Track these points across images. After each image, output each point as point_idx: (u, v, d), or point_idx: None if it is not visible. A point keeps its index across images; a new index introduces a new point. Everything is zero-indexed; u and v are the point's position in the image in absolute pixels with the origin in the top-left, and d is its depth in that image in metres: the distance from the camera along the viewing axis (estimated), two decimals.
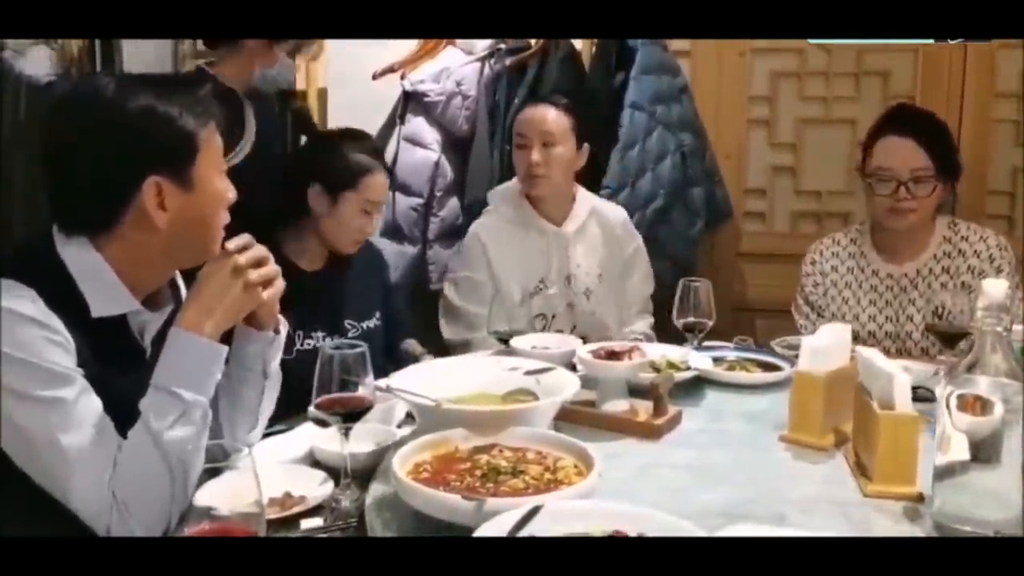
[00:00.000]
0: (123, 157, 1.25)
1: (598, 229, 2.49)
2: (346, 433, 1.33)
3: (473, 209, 2.93)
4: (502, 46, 3.01)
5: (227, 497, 1.02)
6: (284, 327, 1.48)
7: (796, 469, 1.47)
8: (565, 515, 1.10)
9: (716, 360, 1.93)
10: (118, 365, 1.28)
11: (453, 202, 3.02)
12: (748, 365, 1.94)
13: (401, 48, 3.06)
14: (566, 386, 1.53)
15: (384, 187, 2.12)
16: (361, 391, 1.33)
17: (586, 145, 2.44)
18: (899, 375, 1.35)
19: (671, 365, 1.83)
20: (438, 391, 1.49)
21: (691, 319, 1.94)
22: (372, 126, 3.13)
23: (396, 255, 3.02)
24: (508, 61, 2.98)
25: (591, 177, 2.81)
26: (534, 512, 1.10)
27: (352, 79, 3.09)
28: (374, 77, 3.01)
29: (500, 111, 2.97)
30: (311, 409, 1.33)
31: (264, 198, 2.48)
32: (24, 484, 1.19)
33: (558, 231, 2.43)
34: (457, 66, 2.95)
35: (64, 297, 1.24)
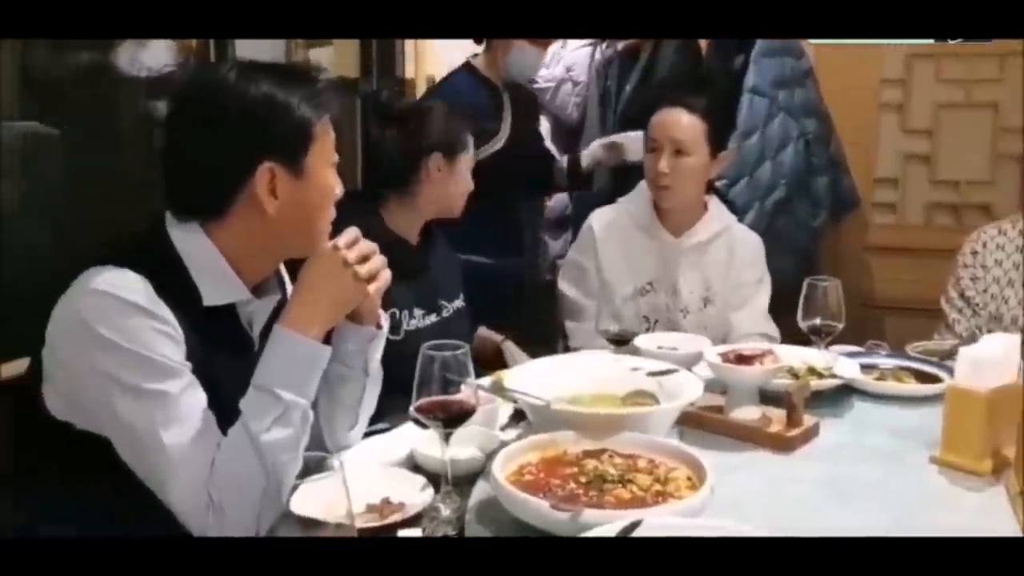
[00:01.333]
0: (240, 142, 1.23)
1: (723, 252, 2.23)
2: (446, 438, 1.27)
3: (582, 198, 2.86)
4: None
5: (321, 505, 0.99)
6: (386, 322, 1.43)
7: (945, 495, 1.32)
8: (665, 532, 1.02)
9: (865, 368, 1.77)
10: (227, 355, 1.25)
11: (562, 192, 2.93)
12: (901, 375, 1.77)
13: None
14: (687, 391, 1.46)
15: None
16: (463, 393, 1.26)
17: (723, 153, 2.24)
18: None
19: (812, 372, 1.69)
20: (554, 389, 1.45)
21: (818, 321, 1.79)
22: None
23: None
24: (620, 45, 2.86)
25: None
26: (632, 528, 1.03)
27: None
28: None
29: (611, 97, 2.86)
30: (411, 411, 1.27)
31: (522, 185, 2.58)
32: (117, 481, 1.18)
33: (672, 242, 2.23)
34: (567, 51, 2.86)
35: (176, 285, 1.22)
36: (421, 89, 3.14)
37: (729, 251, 2.25)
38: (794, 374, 1.69)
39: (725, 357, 1.62)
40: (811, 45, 2.94)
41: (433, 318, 2.00)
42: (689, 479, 1.22)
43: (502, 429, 1.55)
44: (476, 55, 2.55)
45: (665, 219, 2.25)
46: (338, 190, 1.33)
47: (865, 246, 3.09)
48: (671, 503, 1.14)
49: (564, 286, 2.29)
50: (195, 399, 1.18)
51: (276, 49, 3.23)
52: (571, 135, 2.90)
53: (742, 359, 1.61)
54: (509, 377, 1.51)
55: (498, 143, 2.46)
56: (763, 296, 2.28)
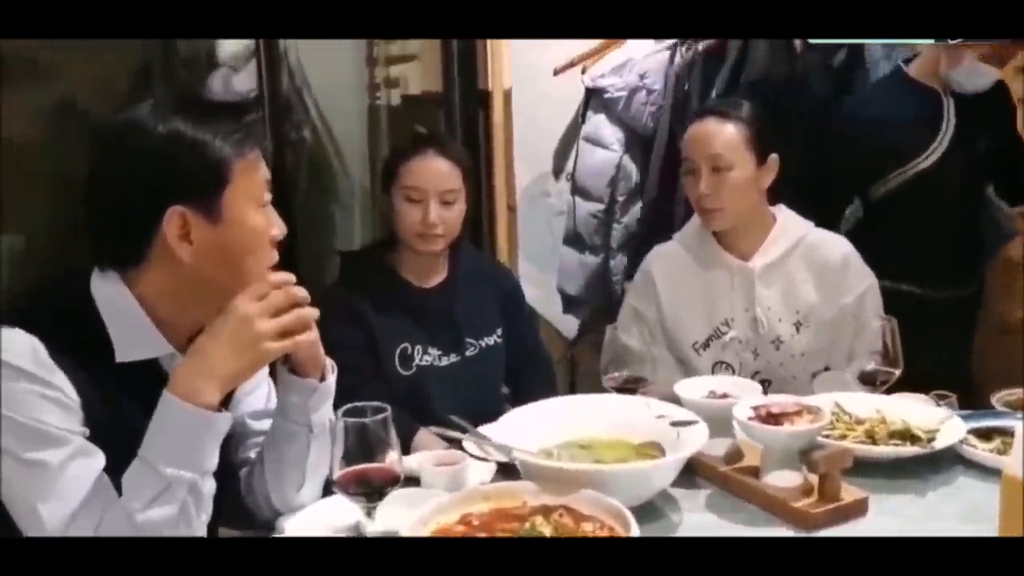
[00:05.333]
0: (147, 184, 1.16)
1: (804, 266, 1.97)
2: (370, 513, 1.14)
3: (657, 216, 2.64)
4: None
5: None
6: (332, 374, 1.31)
7: None
8: None
9: (981, 432, 1.49)
10: (144, 414, 1.17)
11: (638, 207, 2.72)
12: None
13: (589, 40, 2.82)
14: (688, 448, 1.37)
15: (419, 170, 1.86)
16: (387, 461, 1.13)
17: (773, 156, 1.96)
18: None
19: (905, 435, 1.46)
20: (571, 430, 1.46)
21: (871, 367, 1.53)
22: (557, 126, 2.95)
23: (577, 265, 2.81)
24: (702, 46, 2.62)
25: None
26: None
27: (537, 77, 2.89)
28: (555, 73, 2.79)
29: (693, 104, 2.62)
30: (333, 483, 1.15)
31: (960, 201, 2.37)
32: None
33: (743, 266, 1.97)
34: (641, 57, 2.65)
35: (88, 340, 1.16)
36: (499, 102, 3.03)
37: (812, 263, 1.98)
38: (870, 435, 1.46)
39: (757, 413, 1.41)
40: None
41: (453, 358, 1.93)
42: None
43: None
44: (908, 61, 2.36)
45: (728, 244, 2.00)
46: (274, 231, 1.23)
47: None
48: None
49: (624, 336, 2.05)
50: (83, 468, 1.11)
51: (356, 65, 3.24)
52: (646, 147, 2.69)
53: (772, 417, 1.40)
54: (531, 411, 1.50)
55: (931, 157, 2.29)
56: (874, 306, 1.97)
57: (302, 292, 1.22)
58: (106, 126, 1.24)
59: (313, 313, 1.23)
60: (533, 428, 1.45)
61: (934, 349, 2.00)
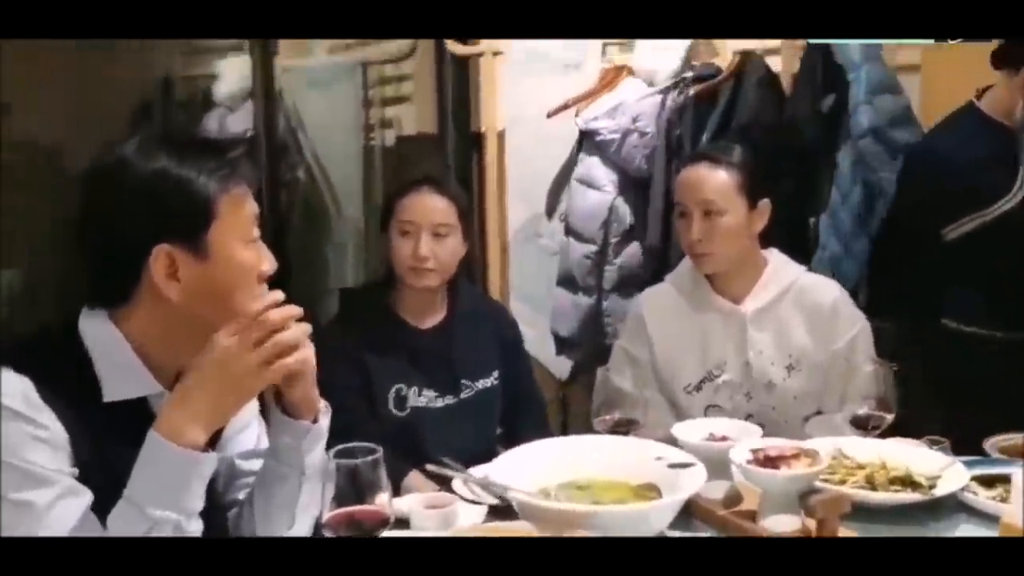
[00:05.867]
0: (133, 222, 1.16)
1: (795, 310, 1.97)
2: None
3: (652, 257, 2.66)
4: (687, 75, 2.70)
5: None
6: (326, 416, 1.30)
7: None
8: None
9: (983, 480, 1.47)
10: (134, 452, 1.15)
11: (632, 248, 2.74)
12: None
13: (582, 83, 2.86)
14: (686, 490, 1.37)
15: (414, 205, 1.89)
16: (377, 503, 1.12)
17: (764, 201, 1.97)
18: None
19: (907, 481, 1.45)
20: (569, 471, 1.45)
21: (863, 411, 1.53)
22: (550, 168, 2.97)
23: (570, 307, 2.81)
24: (693, 91, 2.65)
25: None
26: None
27: (530, 119, 2.93)
28: (548, 115, 2.82)
29: (686, 148, 2.65)
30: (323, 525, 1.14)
31: None
32: None
33: (735, 309, 1.97)
34: (634, 100, 2.68)
35: (77, 379, 1.15)
36: (492, 143, 3.05)
37: (803, 307, 1.98)
38: (871, 480, 1.45)
39: (755, 456, 1.41)
40: (912, 78, 2.63)
41: (449, 400, 1.92)
42: None
43: None
44: (981, 94, 2.21)
45: (720, 287, 2.00)
46: (264, 267, 1.22)
47: None
48: None
49: (617, 379, 2.06)
50: (70, 508, 1.10)
51: (351, 107, 3.27)
52: (639, 189, 2.71)
53: (769, 460, 1.39)
54: (528, 451, 1.49)
55: (1012, 200, 2.17)
56: (865, 351, 1.95)
57: (290, 311, 1.18)
58: (95, 164, 1.24)
59: (303, 329, 1.19)
60: (530, 468, 1.44)
61: (1011, 391, 1.94)
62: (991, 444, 1.55)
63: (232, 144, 1.22)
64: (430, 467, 1.57)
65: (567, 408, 3.02)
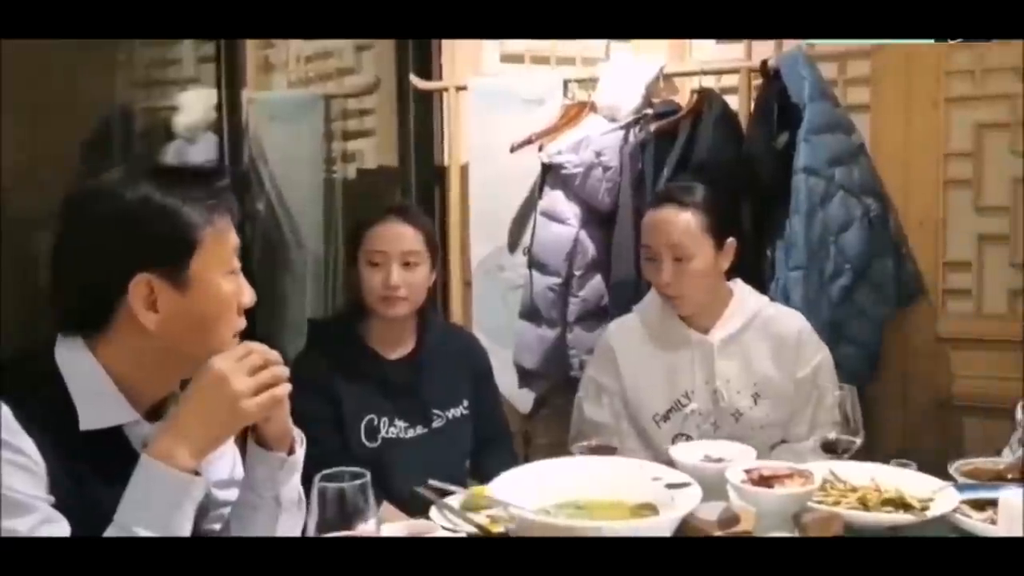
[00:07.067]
0: (112, 251, 1.15)
1: (760, 339, 2.03)
2: None
3: (617, 290, 2.69)
4: (648, 111, 2.76)
5: None
6: (301, 448, 1.29)
7: None
8: None
9: (975, 503, 1.49)
10: (109, 483, 1.14)
11: (595, 281, 2.76)
12: None
13: (544, 118, 2.90)
14: (682, 508, 1.37)
15: (382, 235, 1.90)
16: (366, 527, 1.11)
17: (730, 240, 2.03)
18: None
19: (899, 503, 1.47)
20: (568, 491, 1.46)
21: (833, 436, 1.56)
22: (512, 202, 3.00)
23: (534, 339, 2.82)
24: (654, 127, 2.71)
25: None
26: None
27: (494, 153, 2.95)
28: (511, 150, 2.84)
29: (648, 182, 2.70)
30: None
31: None
32: None
33: (702, 339, 2.02)
34: (597, 135, 2.73)
35: (53, 407, 1.13)
36: (455, 177, 3.08)
37: (767, 336, 2.03)
38: (864, 502, 1.48)
39: (749, 476, 1.44)
40: (862, 117, 2.73)
41: (419, 430, 1.92)
42: None
43: None
44: None
45: (688, 317, 2.05)
46: (244, 299, 1.22)
47: (937, 337, 2.77)
48: None
49: (588, 408, 2.05)
50: (51, 535, 1.07)
51: (313, 140, 3.26)
52: (603, 222, 2.75)
53: (763, 480, 1.43)
54: (528, 472, 1.49)
55: None
56: (828, 379, 2.01)
57: (274, 354, 1.21)
58: (75, 192, 1.23)
59: (286, 371, 1.21)
60: (529, 488, 1.45)
61: None
62: (954, 468, 1.59)
63: (217, 174, 1.22)
64: (419, 490, 1.57)
65: (529, 442, 3.01)
